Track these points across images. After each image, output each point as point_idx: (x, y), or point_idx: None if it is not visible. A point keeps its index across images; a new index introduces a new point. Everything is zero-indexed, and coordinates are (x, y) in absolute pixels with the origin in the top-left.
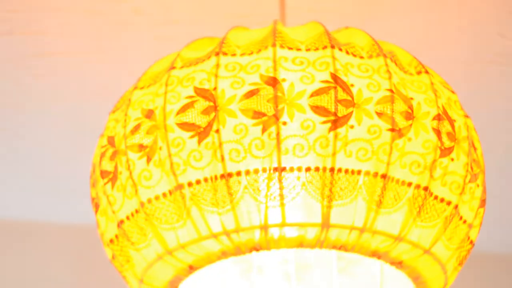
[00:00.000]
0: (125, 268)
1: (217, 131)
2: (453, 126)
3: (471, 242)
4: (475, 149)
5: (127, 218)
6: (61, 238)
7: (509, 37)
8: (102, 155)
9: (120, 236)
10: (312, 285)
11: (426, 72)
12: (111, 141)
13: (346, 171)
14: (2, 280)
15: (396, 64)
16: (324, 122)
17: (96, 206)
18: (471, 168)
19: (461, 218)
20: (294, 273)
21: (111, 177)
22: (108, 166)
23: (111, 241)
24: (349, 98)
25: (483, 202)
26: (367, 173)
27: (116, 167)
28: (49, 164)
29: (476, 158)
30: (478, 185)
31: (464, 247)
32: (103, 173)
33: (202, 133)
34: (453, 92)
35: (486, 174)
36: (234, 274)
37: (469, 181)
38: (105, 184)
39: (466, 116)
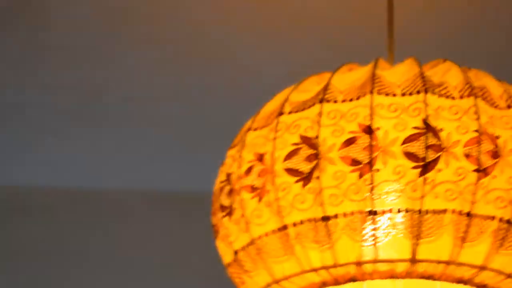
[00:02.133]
0: (241, 287)
1: (318, 177)
2: None
3: None
4: None
5: (242, 248)
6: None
7: None
8: (221, 189)
9: (235, 262)
10: None
11: None
12: (228, 178)
13: (434, 211)
14: None
15: (486, 100)
16: (415, 168)
17: (216, 233)
18: None
19: None
20: None
21: (228, 211)
22: (226, 201)
23: (229, 264)
24: (438, 143)
25: None
26: (453, 211)
27: (232, 203)
28: None
29: None
30: None
31: None
32: (222, 207)
33: (306, 178)
34: None
35: None
36: None
37: None
38: (223, 217)
39: None
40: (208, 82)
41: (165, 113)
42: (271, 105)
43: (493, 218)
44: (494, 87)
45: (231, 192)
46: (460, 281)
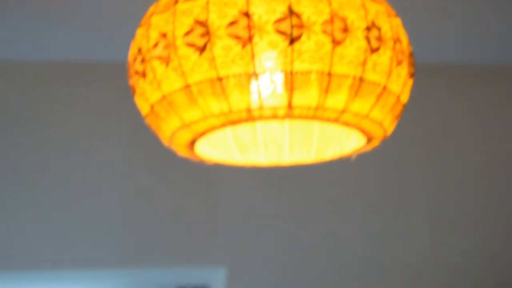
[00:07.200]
0: (158, 132)
1: (211, 49)
2: (380, 32)
3: (402, 104)
4: (400, 42)
5: (156, 102)
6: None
7: None
8: (135, 59)
9: (152, 114)
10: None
11: None
12: (140, 50)
13: (301, 72)
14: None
15: None
16: (284, 41)
17: (134, 91)
18: (396, 57)
19: (390, 92)
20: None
21: (142, 74)
22: (139, 67)
23: (146, 115)
24: (300, 23)
25: (411, 75)
26: (317, 71)
27: (144, 69)
28: None
29: (401, 48)
30: (402, 67)
31: (396, 108)
32: (137, 72)
33: (201, 49)
34: (381, 3)
35: None
36: None
37: (396, 66)
38: (138, 79)
39: (395, 16)
40: None
41: None
42: None
43: (348, 76)
44: None
45: (143, 61)
46: (328, 120)
